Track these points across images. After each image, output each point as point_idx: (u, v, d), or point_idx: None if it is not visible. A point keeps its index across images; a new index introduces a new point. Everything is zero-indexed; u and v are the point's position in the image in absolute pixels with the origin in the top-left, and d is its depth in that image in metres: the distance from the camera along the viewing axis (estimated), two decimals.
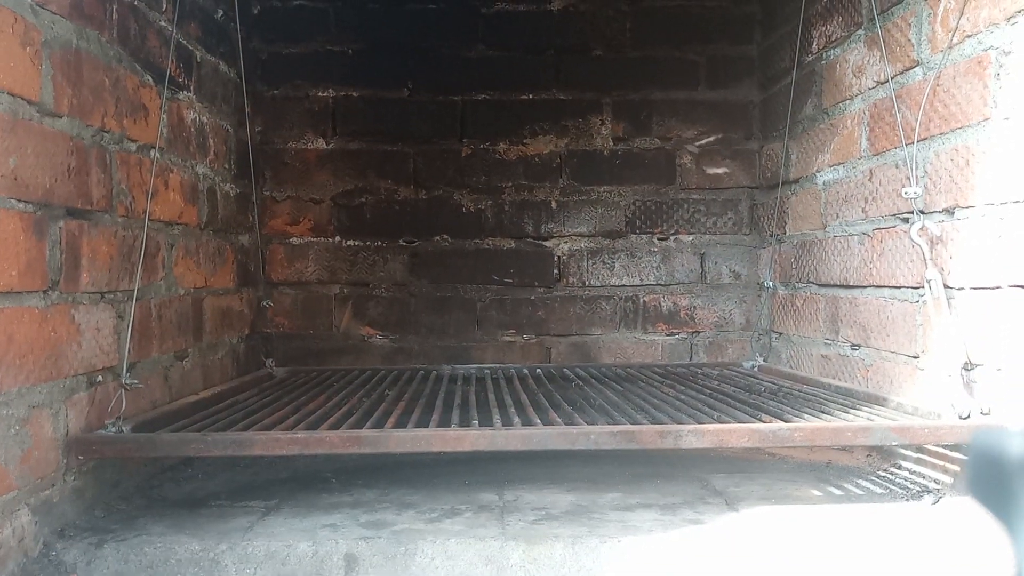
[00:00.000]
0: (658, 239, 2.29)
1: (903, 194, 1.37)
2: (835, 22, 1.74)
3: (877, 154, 1.54)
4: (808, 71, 1.89)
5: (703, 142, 2.27)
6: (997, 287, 1.17)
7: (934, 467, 1.33)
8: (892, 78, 1.47)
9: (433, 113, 2.26)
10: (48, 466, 1.09)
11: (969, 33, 1.23)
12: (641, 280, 2.29)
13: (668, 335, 2.29)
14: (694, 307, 2.29)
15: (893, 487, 1.32)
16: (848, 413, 1.35)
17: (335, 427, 1.26)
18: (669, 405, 1.49)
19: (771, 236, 2.16)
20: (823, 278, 1.81)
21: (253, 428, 1.26)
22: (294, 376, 1.99)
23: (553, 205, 2.28)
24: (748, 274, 2.29)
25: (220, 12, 1.88)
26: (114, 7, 1.32)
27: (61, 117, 1.14)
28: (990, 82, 1.18)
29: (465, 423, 1.31)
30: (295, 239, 2.25)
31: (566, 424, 1.28)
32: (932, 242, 1.32)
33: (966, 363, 1.24)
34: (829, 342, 1.78)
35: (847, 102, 1.68)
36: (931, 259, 1.31)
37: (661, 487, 1.34)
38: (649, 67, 2.27)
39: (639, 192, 2.28)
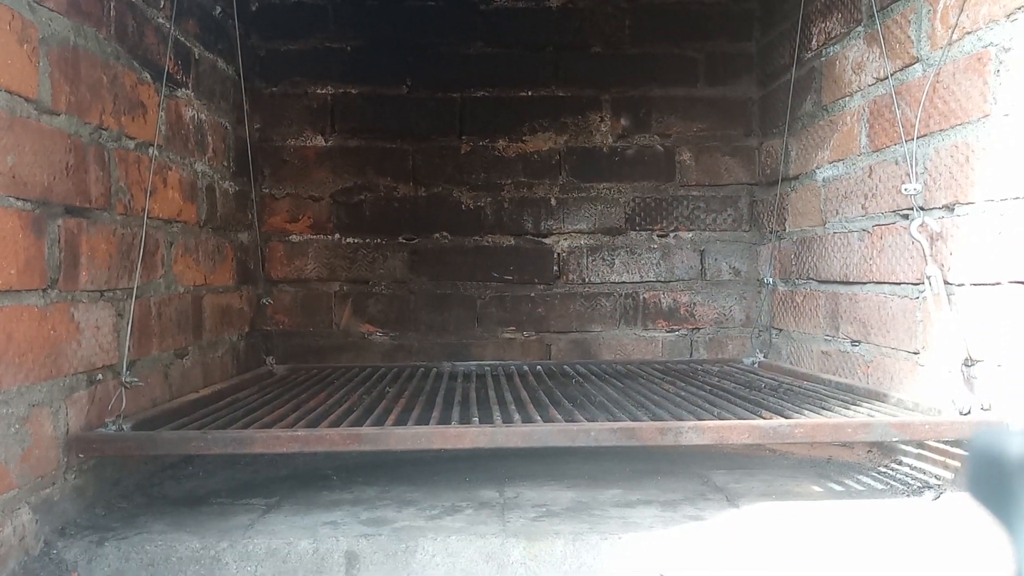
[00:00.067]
0: (658, 236, 2.29)
1: (903, 190, 1.37)
2: (834, 19, 1.74)
3: (877, 150, 1.54)
4: (807, 68, 1.88)
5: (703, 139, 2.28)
6: (997, 283, 1.17)
7: (935, 463, 1.33)
8: (892, 75, 1.46)
9: (432, 110, 2.26)
10: (48, 464, 1.09)
11: (969, 30, 1.23)
12: (641, 277, 2.29)
13: (668, 332, 2.29)
14: (694, 304, 2.29)
15: (894, 483, 1.32)
16: (848, 409, 1.35)
17: (335, 425, 1.26)
18: (669, 402, 1.49)
19: (771, 232, 2.15)
20: (823, 274, 1.81)
21: (253, 426, 1.26)
22: (294, 373, 1.99)
23: (552, 202, 2.28)
24: (748, 270, 2.29)
25: (218, 9, 1.88)
26: (112, 4, 1.31)
27: (59, 115, 1.14)
28: (990, 79, 1.18)
29: (465, 420, 1.30)
30: (294, 236, 2.24)
31: (566, 421, 1.28)
32: (932, 238, 1.31)
33: (966, 359, 1.24)
34: (829, 338, 1.78)
35: (847, 99, 1.68)
36: (931, 255, 1.31)
37: (661, 483, 1.34)
38: (648, 64, 2.27)
39: (639, 189, 2.28)
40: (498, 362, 2.17)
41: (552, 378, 1.87)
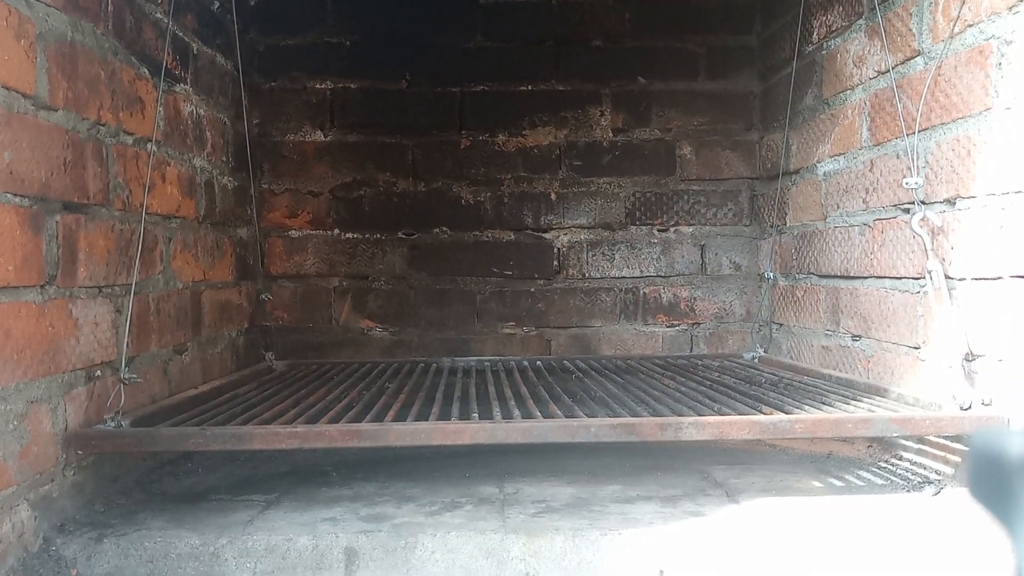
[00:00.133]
0: (658, 230, 2.28)
1: (904, 184, 1.37)
2: (836, 12, 1.73)
3: (878, 144, 1.54)
4: (808, 61, 1.88)
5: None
6: (999, 277, 1.16)
7: (935, 458, 1.33)
8: (893, 68, 1.46)
9: (432, 105, 2.25)
10: (47, 461, 1.09)
11: (970, 22, 1.22)
12: (641, 272, 2.28)
13: (668, 327, 2.28)
14: (694, 298, 2.28)
15: (894, 478, 1.32)
16: (849, 404, 1.35)
17: (335, 421, 1.26)
18: (669, 397, 1.49)
19: (771, 227, 2.15)
20: (824, 269, 1.81)
21: (253, 422, 1.26)
22: (293, 369, 1.99)
23: (552, 197, 2.27)
24: (748, 265, 2.28)
25: (216, 4, 1.87)
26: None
27: (56, 110, 1.13)
28: (992, 72, 1.17)
29: (465, 416, 1.30)
30: (294, 232, 2.24)
31: (566, 417, 1.28)
32: (933, 232, 1.31)
33: (967, 354, 1.24)
34: (830, 333, 1.78)
35: (848, 92, 1.67)
36: (932, 249, 1.30)
37: (661, 479, 1.34)
38: (648, 58, 2.26)
39: (639, 183, 2.27)
40: (498, 357, 2.17)
41: (552, 373, 1.87)
